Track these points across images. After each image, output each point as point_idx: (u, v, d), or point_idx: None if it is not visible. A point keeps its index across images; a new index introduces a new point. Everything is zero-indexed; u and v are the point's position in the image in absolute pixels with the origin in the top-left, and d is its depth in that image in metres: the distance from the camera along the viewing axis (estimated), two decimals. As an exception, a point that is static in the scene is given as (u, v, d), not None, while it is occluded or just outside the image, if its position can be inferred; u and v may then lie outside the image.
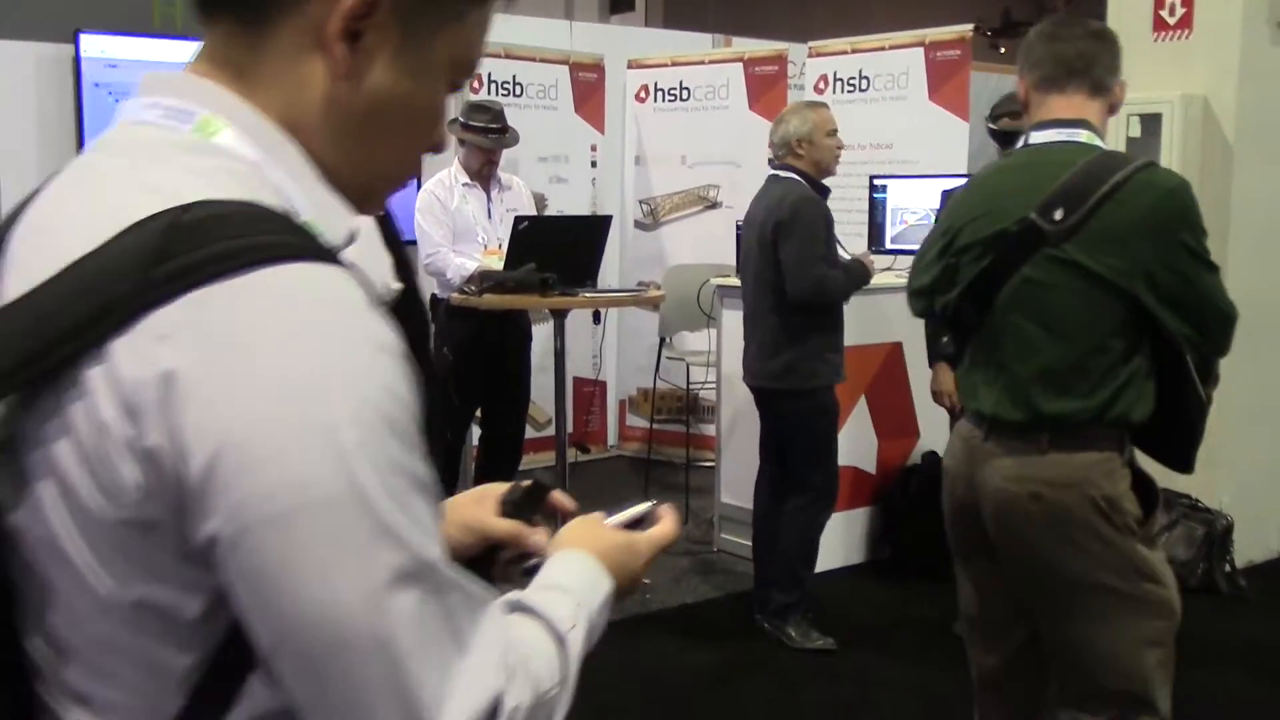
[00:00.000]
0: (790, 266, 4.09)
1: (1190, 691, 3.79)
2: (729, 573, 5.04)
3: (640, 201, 7.20)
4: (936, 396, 4.27)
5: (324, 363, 0.77)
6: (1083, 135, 2.39)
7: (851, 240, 5.32)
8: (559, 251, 4.64)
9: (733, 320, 5.14)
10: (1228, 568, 4.79)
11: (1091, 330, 2.32)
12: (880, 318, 5.06)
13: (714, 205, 6.95)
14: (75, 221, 0.82)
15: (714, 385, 5.54)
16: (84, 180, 0.88)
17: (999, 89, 6.01)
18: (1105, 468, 2.33)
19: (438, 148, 0.97)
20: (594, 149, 7.07)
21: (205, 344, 0.75)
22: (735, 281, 5.11)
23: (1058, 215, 2.29)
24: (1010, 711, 2.63)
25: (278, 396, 0.76)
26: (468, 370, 4.97)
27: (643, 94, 7.14)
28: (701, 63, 7.00)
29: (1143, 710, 2.38)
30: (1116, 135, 4.98)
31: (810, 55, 6.69)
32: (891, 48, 6.28)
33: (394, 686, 0.79)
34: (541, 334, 5.34)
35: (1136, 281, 2.27)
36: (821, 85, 6.58)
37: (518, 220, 4.67)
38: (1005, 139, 4.02)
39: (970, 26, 6.02)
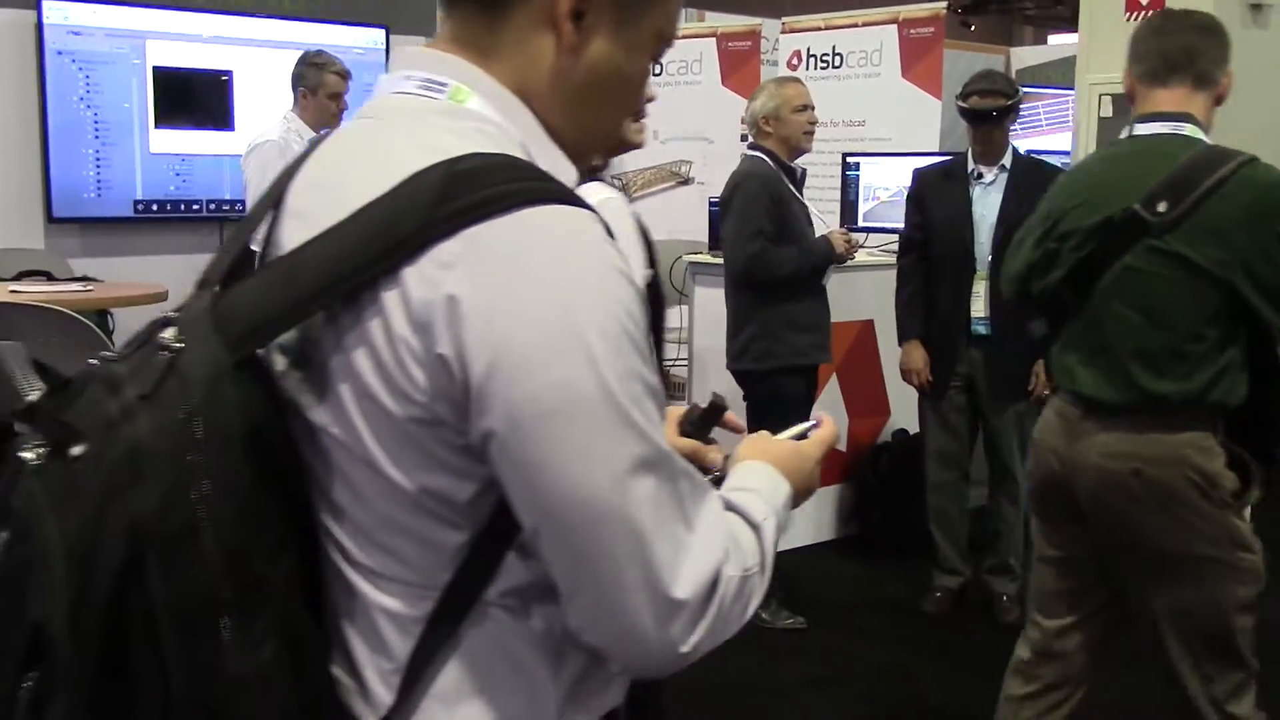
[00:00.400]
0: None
1: (1161, 666, 3.84)
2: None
3: (611, 177, 7.14)
4: (905, 375, 4.28)
5: (577, 286, 0.90)
6: (1186, 129, 2.45)
7: (826, 218, 5.32)
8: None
9: (704, 297, 5.13)
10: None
11: (1190, 318, 2.37)
12: (852, 295, 5.05)
13: (686, 181, 6.93)
14: (361, 175, 0.96)
15: (685, 363, 5.53)
16: (361, 141, 1.02)
17: (970, 67, 6.00)
18: (1202, 445, 2.40)
19: (639, 113, 1.16)
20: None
21: (481, 271, 0.89)
22: (707, 258, 5.10)
23: (1161, 208, 2.35)
24: (1066, 678, 2.71)
25: (541, 314, 0.89)
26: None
27: (794, 60, 7.05)
28: (678, 38, 6.92)
29: (1237, 667, 2.49)
30: (1089, 114, 4.99)
31: (784, 31, 6.66)
32: (865, 24, 6.26)
33: (637, 556, 0.91)
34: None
35: (1234, 272, 2.33)
36: (795, 61, 6.55)
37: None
38: (975, 117, 4.02)
39: (943, 4, 6.01)
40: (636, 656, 0.97)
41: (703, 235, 5.52)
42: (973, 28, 17.81)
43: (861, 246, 5.59)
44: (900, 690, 3.80)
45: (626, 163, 7.09)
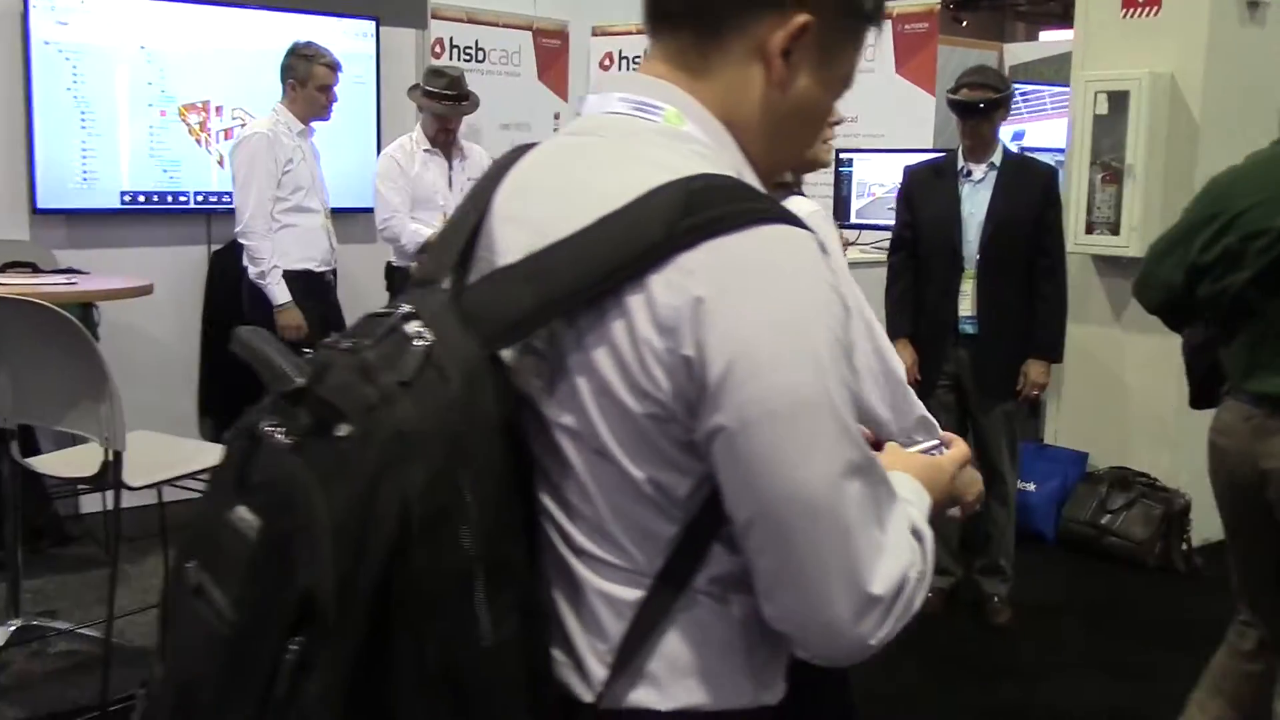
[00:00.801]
0: None
1: (1148, 668, 3.82)
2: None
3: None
4: None
5: (805, 298, 0.98)
6: None
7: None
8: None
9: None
10: (1185, 546, 4.81)
11: None
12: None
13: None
14: (593, 185, 1.04)
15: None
16: (583, 155, 1.10)
17: (964, 63, 5.96)
18: None
19: (826, 136, 1.30)
20: (557, 117, 6.95)
21: (723, 279, 0.96)
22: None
23: None
24: None
25: (776, 322, 0.97)
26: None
27: (607, 62, 7.04)
28: (667, 31, 6.89)
29: None
30: (1084, 112, 4.96)
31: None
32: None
33: (843, 553, 0.99)
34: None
35: None
36: (788, 56, 6.51)
37: (479, 189, 4.57)
38: (963, 109, 3.98)
39: (937, 0, 5.97)
40: (828, 647, 1.03)
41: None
42: (965, 24, 17.78)
43: (853, 244, 5.58)
44: (890, 690, 3.77)
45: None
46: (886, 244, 5.38)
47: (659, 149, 1.06)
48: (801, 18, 1.07)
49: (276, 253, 4.59)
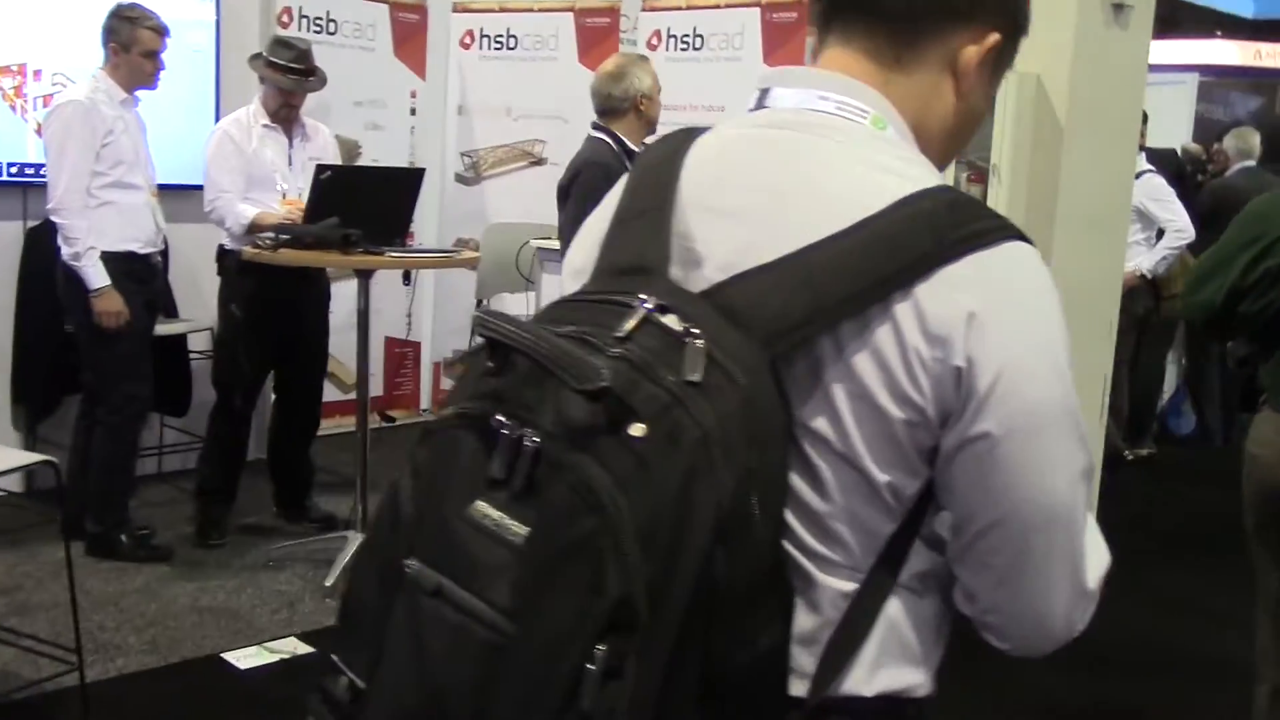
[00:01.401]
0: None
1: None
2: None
3: (462, 154, 6.83)
4: None
5: (1053, 315, 1.04)
6: None
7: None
8: (366, 205, 4.26)
9: (552, 285, 4.86)
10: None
11: None
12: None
13: (539, 161, 6.65)
14: (814, 184, 1.05)
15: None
16: (789, 150, 1.09)
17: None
18: None
19: None
20: (414, 95, 6.66)
21: (990, 293, 0.99)
22: (556, 244, 4.84)
23: None
24: None
25: (1037, 337, 1.02)
26: (259, 331, 4.57)
27: (468, 39, 6.76)
28: (531, 10, 6.65)
29: None
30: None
31: (644, 9, 6.40)
32: (728, 6, 6.05)
33: (1071, 553, 1.06)
34: (348, 291, 4.96)
35: None
36: (655, 41, 6.31)
37: (319, 169, 4.27)
38: None
39: (808, -11, 5.82)
40: (1037, 639, 1.10)
41: (554, 219, 5.26)
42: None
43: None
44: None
45: (476, 139, 6.78)
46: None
47: (884, 154, 1.08)
48: (994, 36, 1.13)
49: (94, 232, 4.22)
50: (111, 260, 4.27)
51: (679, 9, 6.24)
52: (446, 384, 6.89)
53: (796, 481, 1.04)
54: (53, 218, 4.25)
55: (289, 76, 4.63)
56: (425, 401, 7.00)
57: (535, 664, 0.90)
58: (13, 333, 5.01)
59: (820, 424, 1.02)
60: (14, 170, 4.94)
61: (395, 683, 0.98)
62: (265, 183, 4.61)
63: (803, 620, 1.06)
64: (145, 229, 4.42)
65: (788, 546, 1.05)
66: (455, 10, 6.75)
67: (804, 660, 1.06)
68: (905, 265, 0.99)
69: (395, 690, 0.98)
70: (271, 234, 4.15)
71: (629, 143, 4.03)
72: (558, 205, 3.93)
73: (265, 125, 4.67)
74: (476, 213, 6.65)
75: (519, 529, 0.92)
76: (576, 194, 3.81)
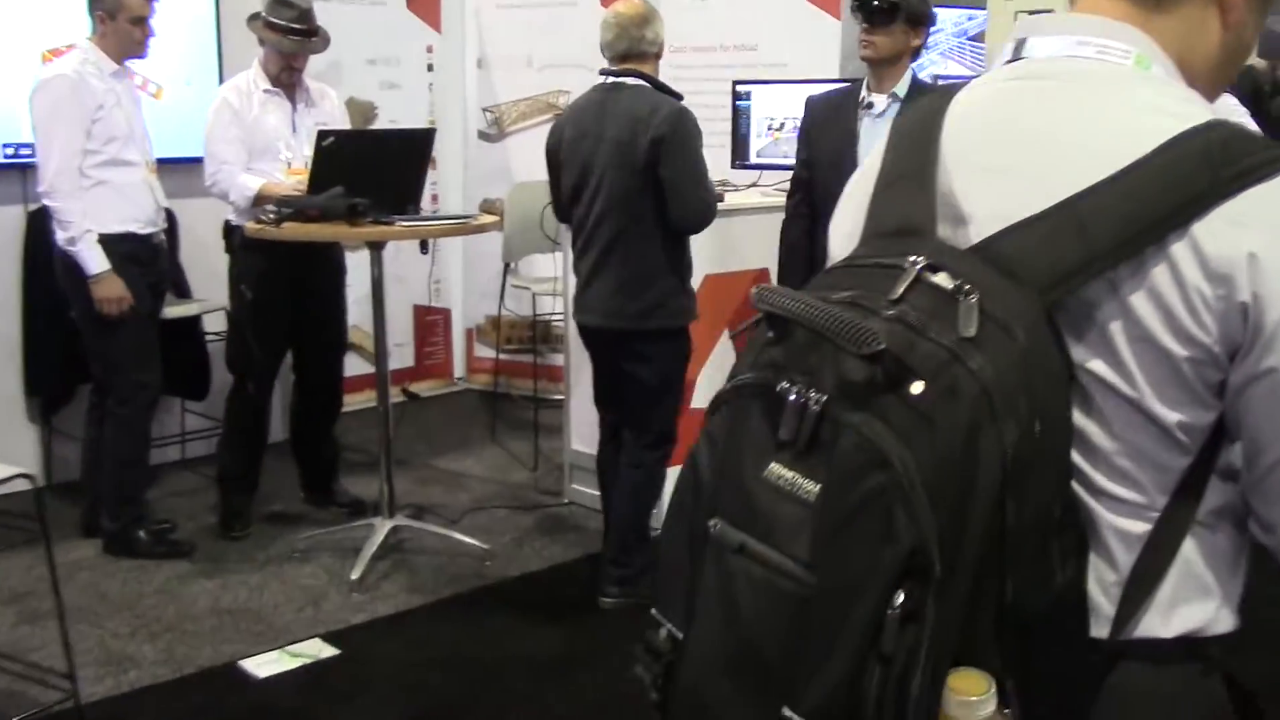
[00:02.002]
0: (683, 188, 3.56)
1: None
2: (581, 530, 4.50)
3: (484, 110, 6.51)
4: None
5: None
6: None
7: (715, 154, 4.79)
8: (374, 172, 3.98)
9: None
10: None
11: None
12: (745, 241, 4.53)
13: (564, 113, 6.32)
14: (1084, 132, 1.05)
15: (562, 316, 4.97)
16: (1052, 100, 1.09)
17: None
18: None
19: None
20: (430, 50, 6.35)
21: (1271, 228, 0.98)
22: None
23: None
24: None
25: None
26: (270, 310, 4.31)
27: (484, -12, 6.43)
28: (548, -46, 6.30)
29: None
30: (1001, 37, 4.49)
31: (667, -55, 6.03)
32: (756, -65, 5.67)
33: None
34: (366, 260, 4.68)
35: None
36: (680, -21, 5.95)
37: (321, 135, 3.98)
38: (860, 11, 3.44)
39: (842, -87, 5.42)
40: None
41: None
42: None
43: (753, 185, 5.08)
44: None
45: (498, 94, 6.46)
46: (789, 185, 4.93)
47: (1152, 94, 1.07)
48: None
49: (89, 215, 3.97)
50: (110, 243, 4.02)
51: (705, -57, 5.86)
52: (481, 351, 6.62)
53: (1082, 423, 1.04)
54: (45, 201, 4.00)
55: (290, 38, 4.34)
56: (459, 370, 6.74)
57: (837, 611, 0.94)
58: (20, 322, 4.80)
59: (1099, 366, 1.03)
60: (10, 151, 4.70)
61: (709, 633, 1.05)
62: (268, 151, 4.34)
63: (1097, 562, 1.06)
64: (144, 208, 4.16)
65: (1078, 489, 1.05)
66: (470, -42, 6.41)
67: (1101, 602, 1.07)
68: (1180, 205, 0.98)
69: (710, 639, 1.05)
70: (274, 208, 3.87)
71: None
72: (651, 161, 3.52)
73: (267, 90, 4.39)
74: (501, 170, 6.34)
75: (811, 486, 0.97)
76: (687, 147, 3.53)
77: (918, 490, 0.92)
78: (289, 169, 4.29)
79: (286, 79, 4.39)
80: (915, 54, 3.50)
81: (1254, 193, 0.98)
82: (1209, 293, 0.98)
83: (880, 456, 0.93)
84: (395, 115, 6.15)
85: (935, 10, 3.58)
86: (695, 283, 3.89)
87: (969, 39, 6.51)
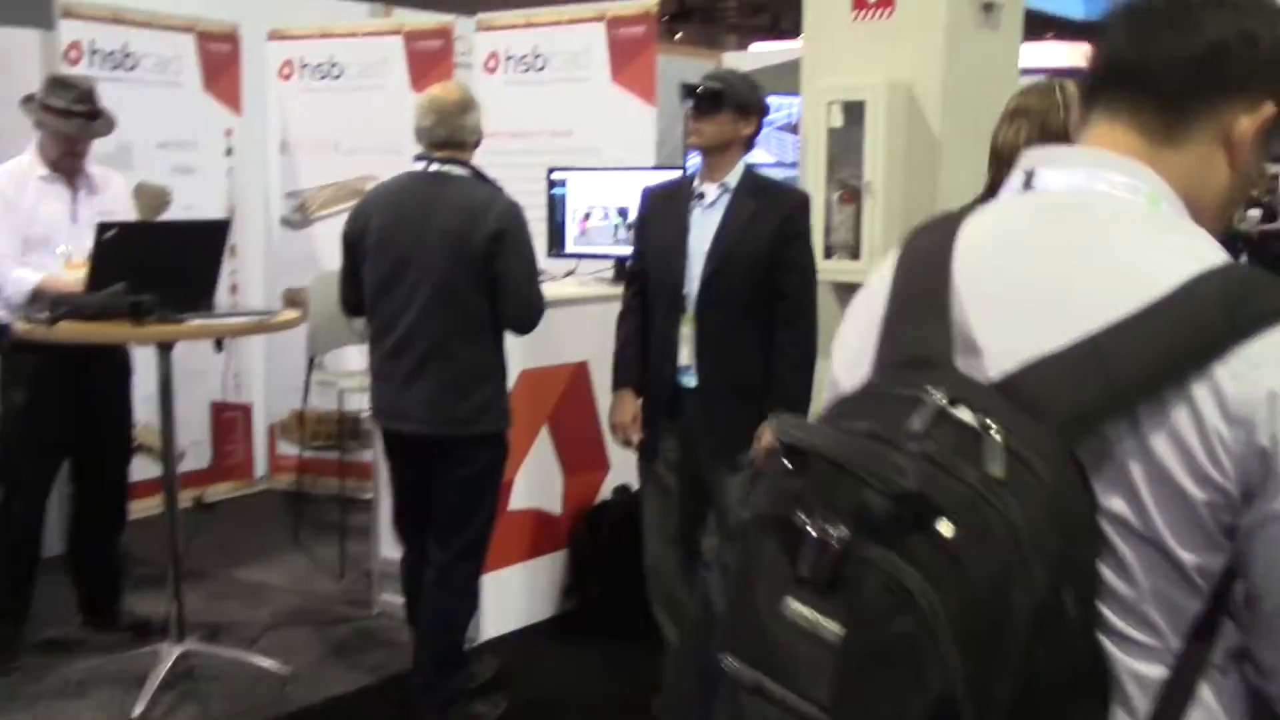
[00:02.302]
0: (519, 285, 3.38)
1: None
2: (392, 645, 4.19)
3: (287, 195, 6.22)
4: (614, 429, 3.57)
5: None
6: None
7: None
8: (162, 265, 3.68)
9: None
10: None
11: None
12: (562, 334, 4.36)
13: (373, 199, 6.08)
14: (1100, 270, 1.05)
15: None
16: (1060, 234, 1.10)
17: (682, 72, 5.44)
18: None
19: None
20: (229, 134, 6.04)
21: None
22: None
23: None
24: None
25: None
26: (44, 417, 3.94)
27: (287, 70, 6.17)
28: (356, 35, 6.10)
29: None
30: (818, 124, 4.47)
31: (479, 29, 5.91)
32: (571, 22, 5.59)
33: None
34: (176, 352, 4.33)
35: None
36: (492, 64, 5.83)
37: (101, 228, 3.65)
38: (686, 99, 3.33)
39: (654, 1, 5.39)
40: None
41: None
42: (678, 36, 17.72)
43: (570, 275, 4.93)
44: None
45: (302, 179, 6.18)
46: (608, 274, 4.81)
47: (1167, 233, 1.08)
48: (1270, 108, 1.12)
49: None
50: None
51: (518, 27, 5.76)
52: (285, 449, 6.26)
53: (1101, 566, 1.03)
54: None
55: (70, 120, 4.01)
56: (261, 469, 6.35)
57: None
58: None
59: (1118, 505, 1.02)
60: None
61: None
62: (45, 243, 3.98)
63: (1115, 708, 1.04)
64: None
65: (1098, 634, 1.03)
66: (271, 38, 6.16)
67: None
68: (1201, 347, 0.98)
69: None
70: (47, 306, 3.53)
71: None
72: (487, 255, 3.33)
73: (43, 176, 4.04)
74: (306, 258, 6.03)
75: (833, 627, 0.95)
76: (521, 241, 3.38)
77: (947, 635, 0.90)
78: (69, 263, 3.94)
79: (68, 165, 4.06)
80: (748, 143, 3.39)
81: (1270, 336, 0.98)
82: (1228, 436, 0.98)
83: (908, 599, 0.91)
84: (191, 201, 5.79)
85: (767, 100, 3.49)
86: (511, 378, 3.71)
87: (777, 129, 6.55)
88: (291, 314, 4.05)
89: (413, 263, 3.36)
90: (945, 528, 0.92)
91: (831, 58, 4.56)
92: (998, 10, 4.53)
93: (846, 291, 4.61)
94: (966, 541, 0.92)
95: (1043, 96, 2.89)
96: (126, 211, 4.21)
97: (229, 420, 6.14)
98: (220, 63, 5.94)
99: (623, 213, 4.72)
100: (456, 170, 3.41)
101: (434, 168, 3.42)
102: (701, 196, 3.39)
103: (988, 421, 0.96)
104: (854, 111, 4.37)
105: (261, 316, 3.89)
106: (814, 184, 4.43)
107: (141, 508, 4.97)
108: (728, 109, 3.29)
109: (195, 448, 5.91)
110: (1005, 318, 1.06)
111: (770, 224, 3.29)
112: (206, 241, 3.93)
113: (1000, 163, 3.00)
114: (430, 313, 3.37)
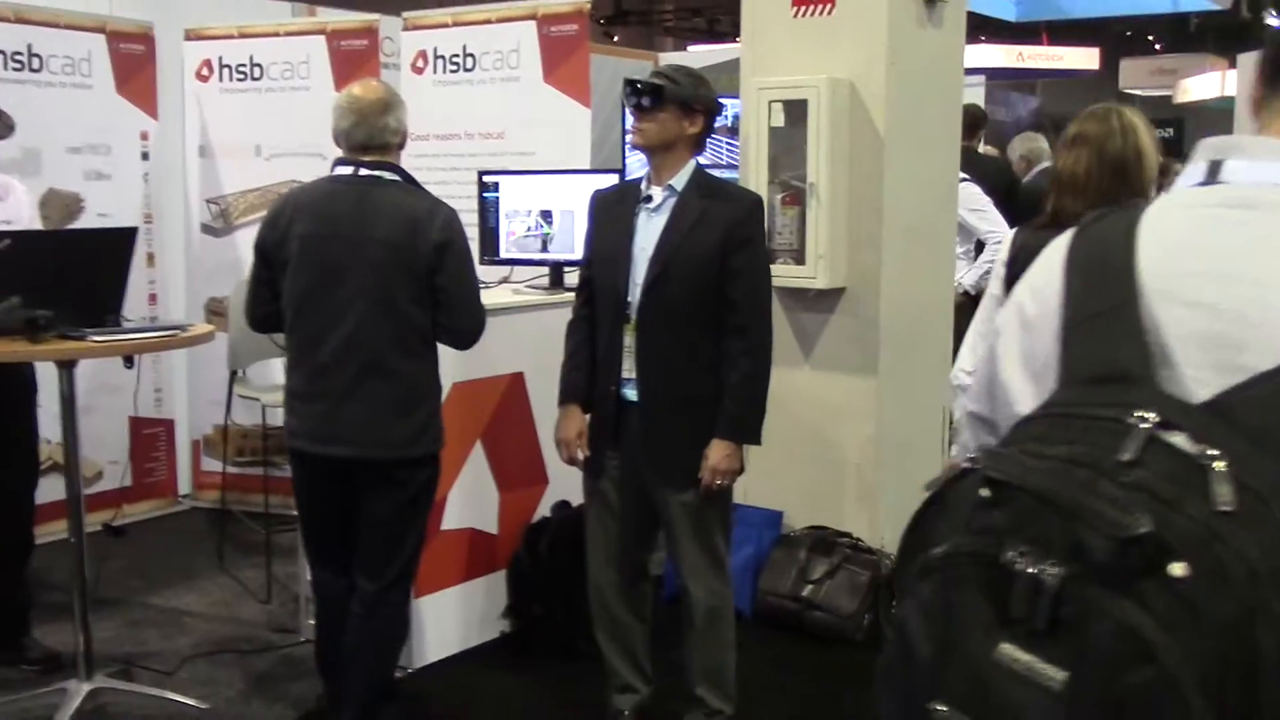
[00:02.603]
0: (463, 298, 3.19)
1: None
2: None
3: (208, 201, 5.96)
4: (560, 445, 3.39)
5: None
6: None
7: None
8: (64, 278, 3.44)
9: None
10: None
11: None
12: (498, 343, 4.17)
13: (298, 205, 5.84)
14: None
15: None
16: (1251, 234, 1.02)
17: (617, 73, 5.29)
18: None
19: None
20: (145, 138, 5.77)
21: None
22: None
23: None
24: None
25: None
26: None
27: (205, 71, 5.91)
28: (277, 34, 5.85)
29: None
30: (759, 124, 4.32)
31: (406, 28, 5.70)
32: (500, 20, 5.40)
33: None
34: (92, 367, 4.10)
35: None
36: (420, 64, 5.63)
37: (-7, 237, 3.42)
38: (627, 97, 3.16)
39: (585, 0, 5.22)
40: None
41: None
42: (615, 39, 17.61)
43: (504, 281, 4.74)
44: None
45: (223, 184, 5.93)
46: (543, 282, 4.62)
47: None
48: None
49: None
50: None
51: (445, 26, 5.56)
52: (209, 464, 6.00)
53: None
54: None
55: (-37, 123, 3.76)
56: (185, 486, 6.08)
57: None
58: None
59: None
60: None
61: None
62: (-62, 255, 3.72)
63: None
64: None
65: None
66: (188, 38, 5.90)
67: None
68: None
69: None
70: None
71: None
72: (430, 269, 3.12)
73: (-63, 184, 3.79)
74: (229, 266, 5.79)
75: (1055, 673, 0.88)
76: (465, 254, 3.22)
77: (1190, 684, 0.84)
78: (-37, 274, 3.69)
79: (-40, 170, 3.81)
80: (697, 143, 3.20)
81: None
82: None
83: (1144, 648, 0.85)
84: (106, 208, 5.54)
85: (721, 99, 3.32)
86: (446, 389, 3.52)
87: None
88: (203, 328, 3.82)
89: (346, 274, 3.14)
90: (1177, 569, 0.85)
91: (772, 56, 4.43)
92: (940, 7, 4.42)
93: (791, 297, 4.48)
94: (1200, 583, 0.85)
95: (1101, 123, 2.92)
96: (29, 221, 3.97)
97: (149, 437, 5.87)
98: (134, 64, 5.67)
99: (546, 215, 4.55)
100: (386, 175, 3.21)
101: (363, 172, 3.21)
102: (649, 199, 3.22)
103: (1208, 450, 0.89)
104: (796, 110, 4.23)
105: (169, 332, 3.64)
106: (756, 186, 4.29)
107: (53, 530, 4.70)
108: (670, 106, 3.12)
109: (113, 467, 5.65)
110: (1203, 326, 0.99)
111: (718, 228, 3.11)
112: (111, 251, 3.68)
113: (1062, 190, 2.94)
114: (367, 327, 3.14)
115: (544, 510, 4.38)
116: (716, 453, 3.13)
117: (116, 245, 3.72)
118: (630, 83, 3.16)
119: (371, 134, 3.19)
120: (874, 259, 4.29)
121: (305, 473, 3.31)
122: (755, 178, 4.32)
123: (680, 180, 3.17)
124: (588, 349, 3.31)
